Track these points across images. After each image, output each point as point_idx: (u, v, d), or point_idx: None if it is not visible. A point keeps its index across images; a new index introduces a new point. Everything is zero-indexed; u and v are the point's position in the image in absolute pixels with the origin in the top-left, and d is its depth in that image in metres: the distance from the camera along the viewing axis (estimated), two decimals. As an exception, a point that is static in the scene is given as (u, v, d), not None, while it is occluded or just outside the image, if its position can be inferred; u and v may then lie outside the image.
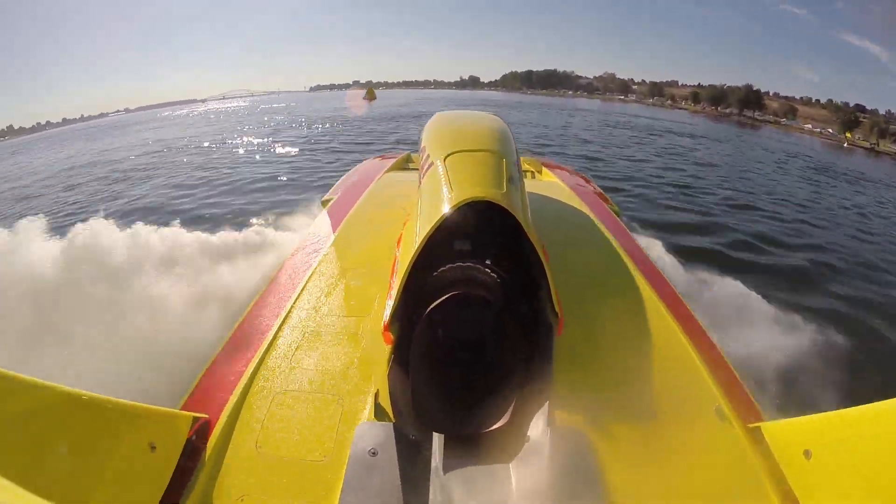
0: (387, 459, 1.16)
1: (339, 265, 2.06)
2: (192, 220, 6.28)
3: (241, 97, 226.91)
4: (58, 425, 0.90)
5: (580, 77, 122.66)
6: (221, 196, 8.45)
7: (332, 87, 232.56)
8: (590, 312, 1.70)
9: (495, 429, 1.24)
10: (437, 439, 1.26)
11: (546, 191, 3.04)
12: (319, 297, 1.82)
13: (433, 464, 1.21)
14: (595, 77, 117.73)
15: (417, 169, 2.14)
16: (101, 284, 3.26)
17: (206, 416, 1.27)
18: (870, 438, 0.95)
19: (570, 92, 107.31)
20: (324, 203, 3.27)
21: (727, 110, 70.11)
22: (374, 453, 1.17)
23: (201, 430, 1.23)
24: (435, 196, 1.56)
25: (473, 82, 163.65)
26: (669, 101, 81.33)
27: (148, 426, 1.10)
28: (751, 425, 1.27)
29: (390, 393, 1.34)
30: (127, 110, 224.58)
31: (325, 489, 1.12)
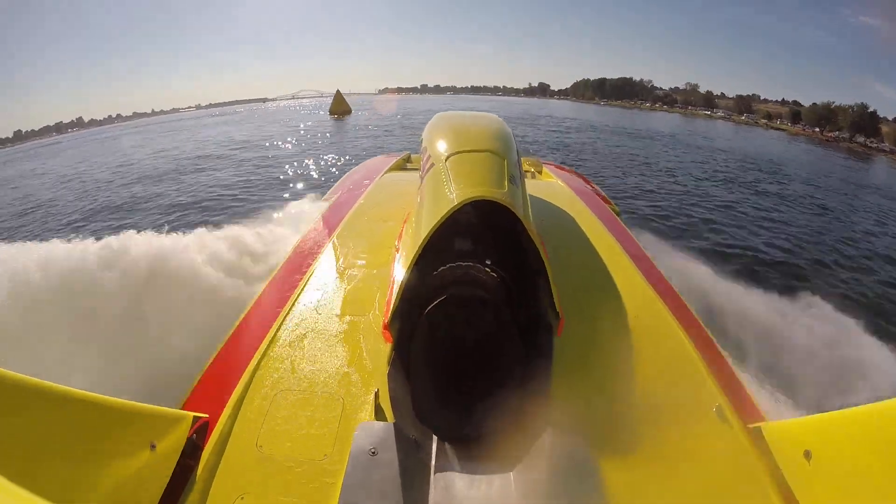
0: (387, 459, 1.16)
1: (339, 264, 2.03)
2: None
3: (310, 97, 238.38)
4: (58, 425, 0.90)
5: (656, 88, 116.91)
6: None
7: (399, 90, 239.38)
8: (590, 313, 1.70)
9: (495, 429, 1.25)
10: (437, 439, 1.28)
11: (547, 191, 3.01)
12: (319, 297, 1.80)
13: (433, 464, 1.22)
14: (671, 88, 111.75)
15: (418, 169, 2.12)
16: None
17: (207, 415, 1.29)
18: (870, 439, 0.94)
19: (648, 104, 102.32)
20: (324, 202, 3.24)
21: (833, 134, 62.85)
22: (374, 453, 1.18)
23: (201, 430, 1.25)
24: (436, 196, 1.57)
25: (543, 90, 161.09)
26: (764, 121, 72.90)
27: (148, 426, 1.10)
28: (751, 425, 1.28)
29: (390, 393, 1.36)
30: (198, 107, 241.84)
31: (325, 488, 1.12)
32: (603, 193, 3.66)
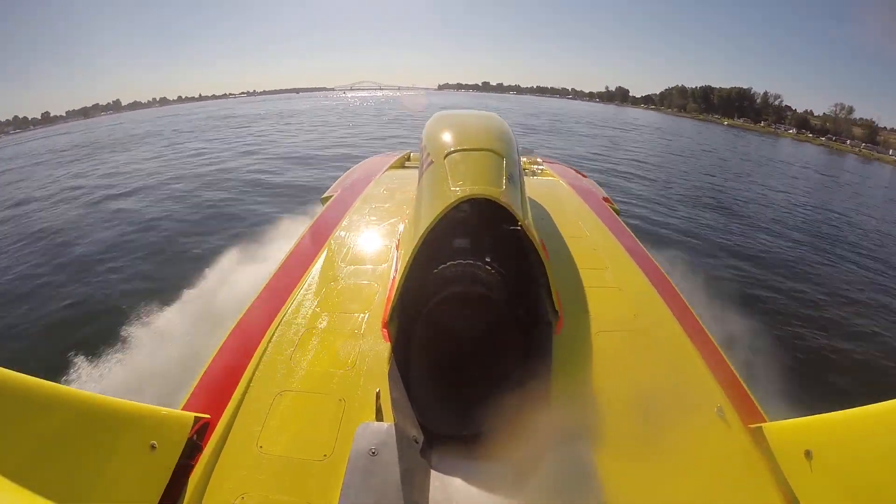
0: (387, 459, 1.17)
1: (339, 263, 1.98)
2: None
3: (369, 89, 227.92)
4: (58, 425, 0.90)
5: (786, 106, 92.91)
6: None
7: (458, 86, 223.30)
8: (590, 311, 1.65)
9: (495, 428, 1.25)
10: (438, 439, 1.28)
11: (547, 189, 3.06)
12: (319, 295, 1.75)
13: (433, 463, 1.23)
14: (803, 109, 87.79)
15: (417, 167, 2.11)
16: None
17: (208, 415, 1.29)
18: (870, 439, 0.94)
19: (793, 130, 78.70)
20: (323, 200, 3.25)
21: None
22: (374, 453, 1.18)
23: (202, 430, 1.25)
24: (434, 193, 1.55)
25: (622, 96, 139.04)
26: None
27: (149, 426, 1.09)
28: (752, 426, 1.29)
29: (391, 392, 1.36)
30: (254, 92, 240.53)
31: (325, 488, 1.14)
32: (604, 192, 3.58)
